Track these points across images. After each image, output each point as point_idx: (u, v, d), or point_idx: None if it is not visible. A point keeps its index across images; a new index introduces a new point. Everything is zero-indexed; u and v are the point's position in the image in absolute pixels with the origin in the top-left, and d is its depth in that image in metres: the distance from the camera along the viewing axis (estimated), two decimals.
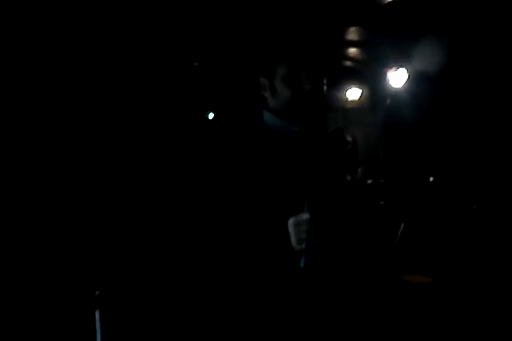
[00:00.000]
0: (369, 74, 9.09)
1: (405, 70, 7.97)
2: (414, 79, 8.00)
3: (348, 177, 4.80)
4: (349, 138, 4.82)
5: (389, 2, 6.10)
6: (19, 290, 4.73)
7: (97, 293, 3.88)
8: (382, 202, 6.26)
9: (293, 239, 1.91)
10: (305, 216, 1.90)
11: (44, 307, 4.58)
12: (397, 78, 8.10)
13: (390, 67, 8.14)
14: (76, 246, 5.24)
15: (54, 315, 4.47)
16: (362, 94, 9.59)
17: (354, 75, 9.35)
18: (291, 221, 1.92)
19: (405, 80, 8.03)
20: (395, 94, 8.47)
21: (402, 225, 5.62)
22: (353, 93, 9.64)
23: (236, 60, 6.88)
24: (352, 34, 7.69)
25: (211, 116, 8.89)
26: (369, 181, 7.12)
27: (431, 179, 7.30)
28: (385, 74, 8.32)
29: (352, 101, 9.67)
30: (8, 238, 5.02)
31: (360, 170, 5.06)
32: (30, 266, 4.99)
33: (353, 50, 8.51)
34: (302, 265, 1.92)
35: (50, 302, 4.63)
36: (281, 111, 2.10)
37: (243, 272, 1.98)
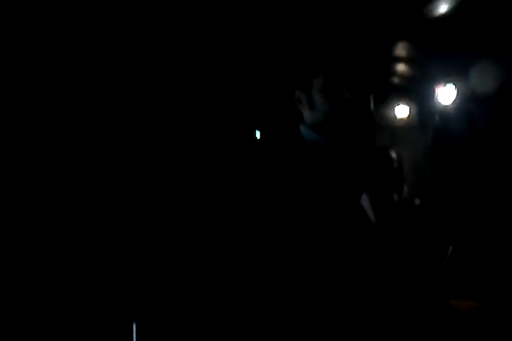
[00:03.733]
0: (418, 91, 8.96)
1: (454, 87, 7.82)
2: (465, 96, 7.85)
3: (394, 197, 4.67)
4: (394, 157, 4.72)
5: (438, 16, 5.98)
6: (59, 302, 4.76)
7: (135, 306, 3.87)
8: (430, 223, 6.08)
9: None
10: None
11: (82, 319, 4.59)
12: (446, 95, 7.96)
13: (439, 84, 8.01)
14: (114, 257, 5.25)
15: (92, 327, 4.48)
16: (410, 111, 9.45)
17: (402, 92, 9.23)
18: None
19: (455, 97, 7.89)
20: (445, 112, 8.31)
21: (451, 247, 5.43)
22: (402, 110, 9.50)
23: (271, 72, 6.84)
24: (400, 49, 7.59)
25: (258, 134, 8.90)
26: (417, 201, 6.95)
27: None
28: (434, 91, 8.19)
29: (400, 119, 9.53)
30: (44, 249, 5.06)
31: (405, 189, 4.94)
32: (70, 278, 5.02)
33: (401, 66, 8.41)
34: None
35: (88, 314, 4.64)
36: (319, 127, 1.98)
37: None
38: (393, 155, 4.65)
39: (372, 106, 2.02)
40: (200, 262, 5.46)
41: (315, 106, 1.97)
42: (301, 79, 2.00)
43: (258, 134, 9.41)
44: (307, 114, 2.01)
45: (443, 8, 5.88)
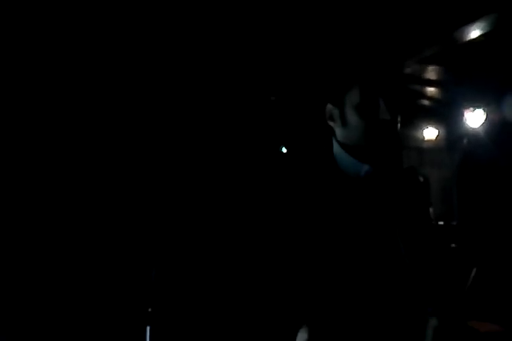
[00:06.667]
0: (446, 114, 8.96)
1: (483, 111, 7.81)
2: (493, 120, 7.82)
3: (419, 218, 4.68)
4: (421, 178, 4.73)
5: (469, 40, 6.02)
6: (74, 306, 4.79)
7: (149, 309, 3.92)
8: (453, 245, 6.08)
9: None
10: None
11: (96, 322, 4.62)
12: (474, 119, 7.95)
13: (468, 108, 8.01)
14: (129, 260, 5.26)
15: (106, 329, 4.52)
16: (438, 133, 9.44)
17: (431, 114, 9.23)
18: None
19: (483, 121, 7.87)
20: (473, 135, 8.30)
21: (474, 270, 5.43)
22: (430, 132, 9.49)
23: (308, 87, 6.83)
24: (430, 73, 7.62)
25: (284, 150, 8.94)
26: (440, 223, 6.95)
27: None
28: (462, 115, 8.18)
29: (428, 141, 9.52)
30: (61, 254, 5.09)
31: (431, 210, 4.93)
32: (85, 281, 5.04)
33: (430, 89, 8.42)
34: None
35: (102, 316, 4.68)
36: (351, 145, 1.88)
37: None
38: (420, 176, 4.69)
39: (399, 127, 1.90)
40: (212, 268, 5.46)
41: (348, 123, 1.87)
42: (335, 95, 1.91)
43: (284, 149, 9.46)
44: (339, 132, 1.91)
45: (475, 33, 5.90)
